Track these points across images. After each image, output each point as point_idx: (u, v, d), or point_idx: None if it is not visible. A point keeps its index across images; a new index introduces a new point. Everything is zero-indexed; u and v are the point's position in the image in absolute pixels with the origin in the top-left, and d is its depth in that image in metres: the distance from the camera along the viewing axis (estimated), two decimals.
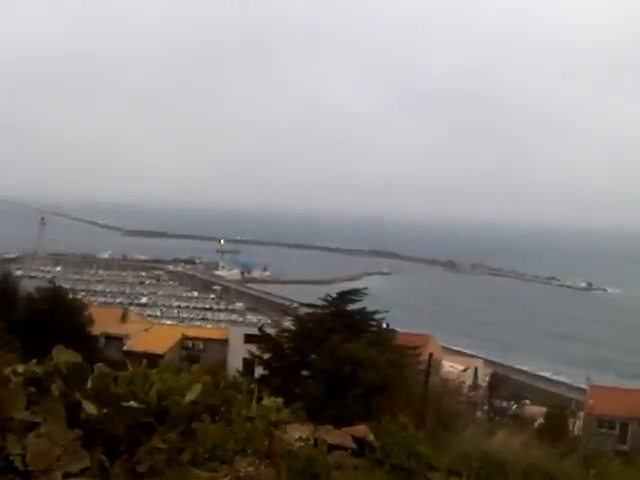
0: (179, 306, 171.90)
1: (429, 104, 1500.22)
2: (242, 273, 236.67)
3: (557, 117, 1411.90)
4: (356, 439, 9.34)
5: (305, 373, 26.25)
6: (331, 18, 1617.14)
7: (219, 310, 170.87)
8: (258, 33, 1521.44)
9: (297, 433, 8.17)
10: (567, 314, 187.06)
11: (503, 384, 73.56)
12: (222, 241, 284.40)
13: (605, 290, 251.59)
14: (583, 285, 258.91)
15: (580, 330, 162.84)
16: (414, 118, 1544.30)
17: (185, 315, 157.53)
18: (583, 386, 79.78)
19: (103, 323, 61.18)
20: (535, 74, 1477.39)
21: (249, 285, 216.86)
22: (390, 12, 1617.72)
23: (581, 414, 68.24)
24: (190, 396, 7.27)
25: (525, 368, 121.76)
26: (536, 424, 61.25)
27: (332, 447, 8.47)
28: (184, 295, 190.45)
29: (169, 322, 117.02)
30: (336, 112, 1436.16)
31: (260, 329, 30.53)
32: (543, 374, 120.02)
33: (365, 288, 30.14)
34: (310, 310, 30.03)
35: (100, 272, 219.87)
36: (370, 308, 29.15)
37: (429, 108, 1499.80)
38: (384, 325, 30.34)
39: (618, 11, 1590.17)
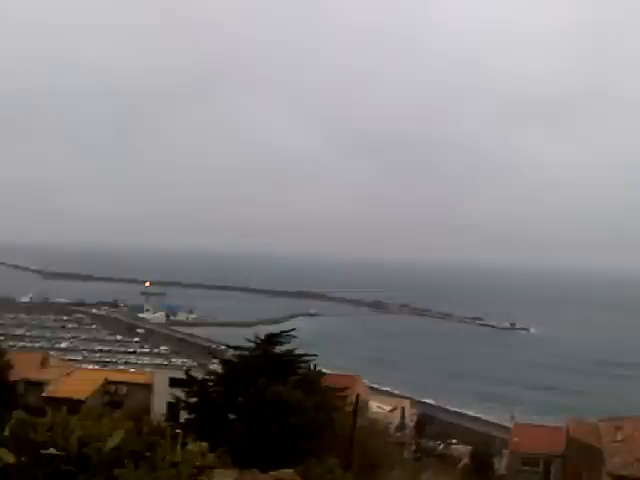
0: (102, 350, 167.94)
1: (369, 146, 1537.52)
2: (167, 316, 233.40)
3: (493, 160, 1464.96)
4: None
5: (232, 417, 25.85)
6: (268, 61, 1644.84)
7: (143, 354, 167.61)
8: (197, 78, 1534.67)
9: (222, 478, 8.05)
10: (491, 355, 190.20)
11: (430, 424, 74.03)
12: (147, 283, 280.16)
13: (528, 330, 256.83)
14: (507, 325, 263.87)
15: (504, 370, 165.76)
16: (350, 159, 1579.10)
17: (108, 359, 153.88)
18: (508, 424, 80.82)
19: (23, 368, 59.32)
20: (479, 120, 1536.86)
21: (174, 328, 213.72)
22: (338, 59, 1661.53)
23: (506, 452, 68.97)
24: (112, 442, 7.11)
25: (452, 408, 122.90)
26: (462, 463, 61.76)
27: None
28: (107, 339, 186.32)
29: (91, 366, 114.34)
30: (274, 154, 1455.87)
31: (186, 372, 30.01)
32: (470, 413, 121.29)
33: (293, 329, 29.99)
34: (237, 352, 29.68)
35: (20, 316, 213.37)
36: (298, 350, 29.02)
37: (367, 150, 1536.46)
38: (312, 367, 30.22)
39: (561, 64, 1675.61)
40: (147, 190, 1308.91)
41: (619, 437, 34.68)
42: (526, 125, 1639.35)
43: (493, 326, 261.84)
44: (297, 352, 28.98)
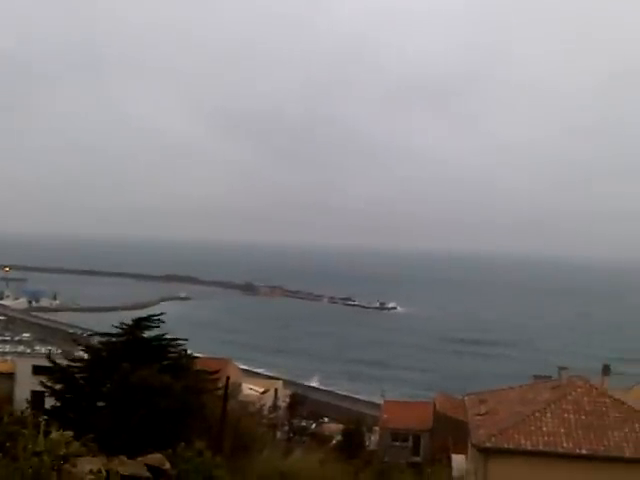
0: None
1: (253, 128, 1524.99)
2: (30, 302, 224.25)
3: (376, 142, 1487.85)
4: (151, 468, 9.10)
5: (100, 404, 25.16)
6: (155, 44, 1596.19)
7: (4, 342, 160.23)
8: (81, 58, 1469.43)
9: (88, 466, 7.83)
10: (362, 334, 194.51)
11: (303, 404, 74.81)
12: (7, 269, 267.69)
13: (396, 308, 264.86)
14: (376, 305, 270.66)
15: (374, 349, 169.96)
16: (232, 141, 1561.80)
17: None
18: (378, 401, 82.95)
19: None
20: (363, 100, 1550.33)
21: (37, 314, 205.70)
22: (224, 40, 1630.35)
23: (376, 429, 70.86)
24: None
25: (324, 387, 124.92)
26: (334, 441, 62.90)
27: (126, 478, 8.20)
28: None
29: None
30: (158, 138, 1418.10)
31: (49, 359, 28.92)
32: (341, 392, 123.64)
33: (162, 314, 29.43)
34: (103, 339, 28.86)
35: None
36: (168, 334, 28.54)
37: (251, 132, 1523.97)
38: (183, 351, 29.82)
39: (449, 43, 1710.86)
40: (15, 175, 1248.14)
41: (483, 410, 36.24)
42: (411, 106, 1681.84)
43: (363, 306, 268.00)
44: (166, 336, 28.48)
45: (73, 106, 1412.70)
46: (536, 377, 43.36)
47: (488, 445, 31.67)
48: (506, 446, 31.46)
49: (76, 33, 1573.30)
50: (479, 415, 35.99)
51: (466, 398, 41.31)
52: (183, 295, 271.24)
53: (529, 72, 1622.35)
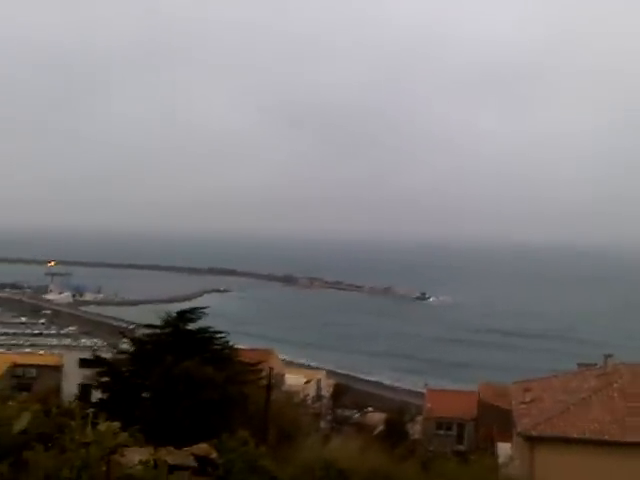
0: (6, 333, 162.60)
1: (305, 120, 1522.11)
2: (74, 296, 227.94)
3: (434, 132, 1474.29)
4: (198, 458, 9.18)
5: (145, 395, 25.50)
6: (210, 39, 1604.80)
7: (50, 335, 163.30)
8: (137, 54, 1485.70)
9: (136, 456, 7.91)
10: (402, 323, 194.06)
11: (346, 394, 75.01)
12: (52, 263, 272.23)
13: (437, 298, 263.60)
14: (417, 295, 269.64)
15: (416, 337, 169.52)
16: (286, 135, 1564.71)
17: (13, 342, 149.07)
18: (422, 391, 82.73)
19: None
20: (419, 92, 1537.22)
21: (82, 308, 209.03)
22: (280, 27, 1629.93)
23: (420, 418, 70.71)
24: (19, 425, 6.88)
25: (367, 377, 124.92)
26: (377, 430, 62.90)
27: (174, 467, 8.27)
28: (11, 321, 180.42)
29: None
30: (209, 131, 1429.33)
31: (95, 353, 29.38)
32: (384, 382, 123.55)
33: (206, 307, 29.70)
34: (148, 331, 29.20)
35: None
36: (211, 326, 28.77)
37: (304, 124, 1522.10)
38: (226, 343, 30.06)
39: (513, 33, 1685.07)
40: (68, 172, 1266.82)
41: (528, 399, 35.92)
42: (473, 96, 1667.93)
43: (403, 296, 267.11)
44: (209, 328, 28.72)
45: (132, 103, 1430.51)
46: (580, 365, 42.86)
47: (534, 433, 31.40)
48: (552, 434, 31.17)
49: (138, 32, 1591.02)
50: (524, 403, 35.68)
51: (511, 387, 41.00)
52: (224, 287, 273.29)
53: (598, 62, 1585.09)
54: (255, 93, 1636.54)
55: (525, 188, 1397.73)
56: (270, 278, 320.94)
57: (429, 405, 67.49)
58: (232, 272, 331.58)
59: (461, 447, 59.77)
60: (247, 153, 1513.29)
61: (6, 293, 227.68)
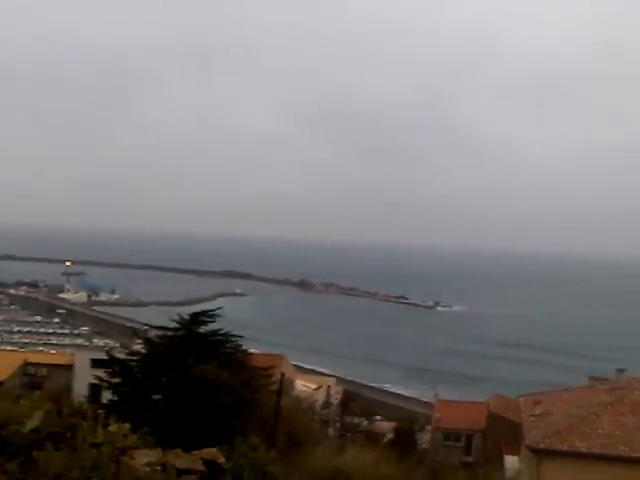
0: (20, 331, 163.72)
1: (342, 128, 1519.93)
2: (89, 296, 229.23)
3: (475, 143, 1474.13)
4: (206, 462, 9.24)
5: (156, 397, 25.58)
6: (253, 41, 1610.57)
7: (64, 334, 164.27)
8: (168, 56, 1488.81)
9: (145, 458, 7.98)
10: (412, 332, 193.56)
11: (355, 401, 74.85)
12: (68, 263, 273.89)
13: (450, 307, 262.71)
14: (430, 303, 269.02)
15: (426, 347, 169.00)
16: (319, 141, 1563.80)
17: (27, 340, 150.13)
18: (431, 400, 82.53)
19: None
20: (464, 101, 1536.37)
21: (96, 308, 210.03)
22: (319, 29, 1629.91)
23: (429, 428, 70.48)
24: (30, 424, 6.97)
25: (377, 385, 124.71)
26: (386, 439, 62.73)
27: (182, 471, 8.33)
28: (26, 320, 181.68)
29: (9, 348, 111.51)
30: (241, 136, 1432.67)
31: (107, 353, 29.52)
32: (394, 390, 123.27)
33: (219, 308, 29.79)
34: (161, 332, 29.32)
35: None
36: (224, 330, 28.85)
37: (340, 132, 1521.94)
38: (238, 346, 30.14)
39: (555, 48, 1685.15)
40: (67, 169, 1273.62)
41: (537, 412, 35.70)
42: (512, 107, 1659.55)
43: (417, 304, 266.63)
44: (223, 331, 28.81)
45: (166, 105, 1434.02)
46: (592, 379, 42.59)
47: (542, 446, 31.21)
48: (560, 448, 30.95)
49: (183, 32, 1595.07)
50: (533, 416, 35.49)
51: (520, 399, 40.76)
52: (239, 291, 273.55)
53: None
54: (296, 99, 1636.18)
55: (557, 198, 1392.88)
56: (286, 283, 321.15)
57: (438, 415, 67.26)
58: (247, 276, 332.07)
59: (469, 458, 59.49)
60: (277, 159, 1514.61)
61: (22, 291, 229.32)
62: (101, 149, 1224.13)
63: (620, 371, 38.72)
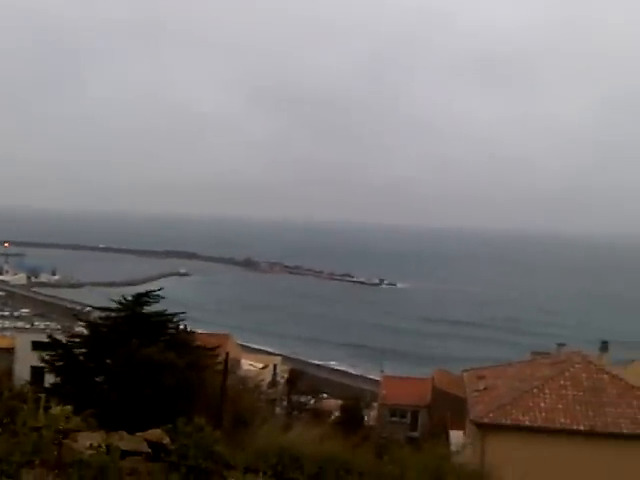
0: None
1: (286, 102, 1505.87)
2: (28, 277, 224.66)
3: (415, 118, 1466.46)
4: (151, 443, 9.13)
5: (100, 379, 25.25)
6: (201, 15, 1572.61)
7: (3, 317, 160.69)
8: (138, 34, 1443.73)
9: (88, 441, 7.85)
10: (357, 309, 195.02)
11: (301, 379, 75.08)
12: (6, 244, 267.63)
13: (395, 284, 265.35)
14: (375, 281, 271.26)
15: (374, 323, 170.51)
16: (264, 117, 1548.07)
17: None
18: (377, 378, 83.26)
19: None
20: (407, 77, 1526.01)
21: (36, 290, 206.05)
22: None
23: (375, 404, 71.21)
24: None
25: (323, 363, 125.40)
26: (333, 417, 63.19)
27: (126, 453, 8.23)
28: None
29: None
30: (188, 112, 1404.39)
31: (49, 335, 29.01)
32: (340, 368, 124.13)
33: (161, 289, 29.46)
34: (103, 314, 28.90)
35: None
36: (168, 310, 28.57)
37: (284, 107, 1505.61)
38: (182, 327, 29.90)
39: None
40: (26, 147, 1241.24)
41: (481, 386, 36.38)
42: (463, 84, 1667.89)
43: (363, 282, 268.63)
44: (166, 312, 28.52)
45: (110, 81, 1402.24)
46: (534, 354, 43.56)
47: (486, 421, 31.84)
48: (504, 422, 31.64)
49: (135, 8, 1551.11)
50: (477, 391, 36.15)
51: (464, 374, 41.48)
52: (183, 271, 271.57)
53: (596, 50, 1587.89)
54: (248, 74, 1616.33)
55: (513, 176, 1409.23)
56: (230, 262, 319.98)
57: (384, 392, 68.01)
58: (193, 255, 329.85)
59: (414, 434, 60.37)
60: (224, 136, 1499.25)
61: None
62: (37, 126, 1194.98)
63: (560, 345, 39.66)
